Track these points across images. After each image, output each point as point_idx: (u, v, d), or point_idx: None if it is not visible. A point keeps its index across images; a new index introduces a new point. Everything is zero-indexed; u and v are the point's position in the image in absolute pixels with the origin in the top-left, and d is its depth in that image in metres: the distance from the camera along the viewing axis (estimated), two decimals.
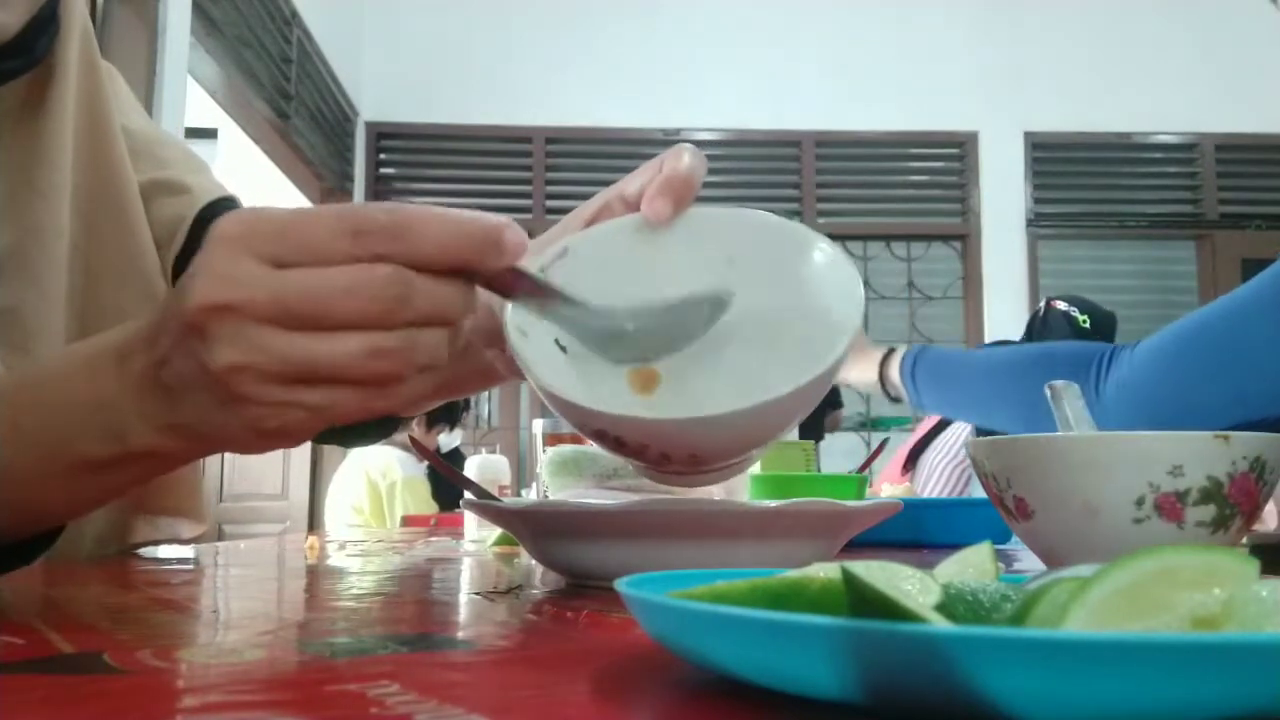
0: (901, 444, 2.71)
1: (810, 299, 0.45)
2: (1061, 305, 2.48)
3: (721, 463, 0.44)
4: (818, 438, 2.81)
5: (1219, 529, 0.53)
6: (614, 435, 0.40)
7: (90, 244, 0.67)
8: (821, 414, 3.09)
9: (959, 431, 2.54)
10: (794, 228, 0.47)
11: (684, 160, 0.47)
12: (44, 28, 0.60)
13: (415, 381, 0.37)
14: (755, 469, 1.10)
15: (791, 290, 0.46)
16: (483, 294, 0.39)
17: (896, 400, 1.17)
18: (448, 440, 3.50)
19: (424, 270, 0.36)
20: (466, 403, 3.70)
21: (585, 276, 0.45)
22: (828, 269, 0.46)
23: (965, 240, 4.53)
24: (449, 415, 3.35)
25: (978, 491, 2.51)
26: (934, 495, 2.36)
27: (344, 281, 0.35)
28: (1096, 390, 0.92)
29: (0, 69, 0.59)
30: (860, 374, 1.17)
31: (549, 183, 4.47)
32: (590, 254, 0.47)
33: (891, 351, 1.15)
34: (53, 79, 0.63)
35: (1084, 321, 2.42)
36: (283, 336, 0.35)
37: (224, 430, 0.38)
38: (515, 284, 0.39)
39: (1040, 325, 2.48)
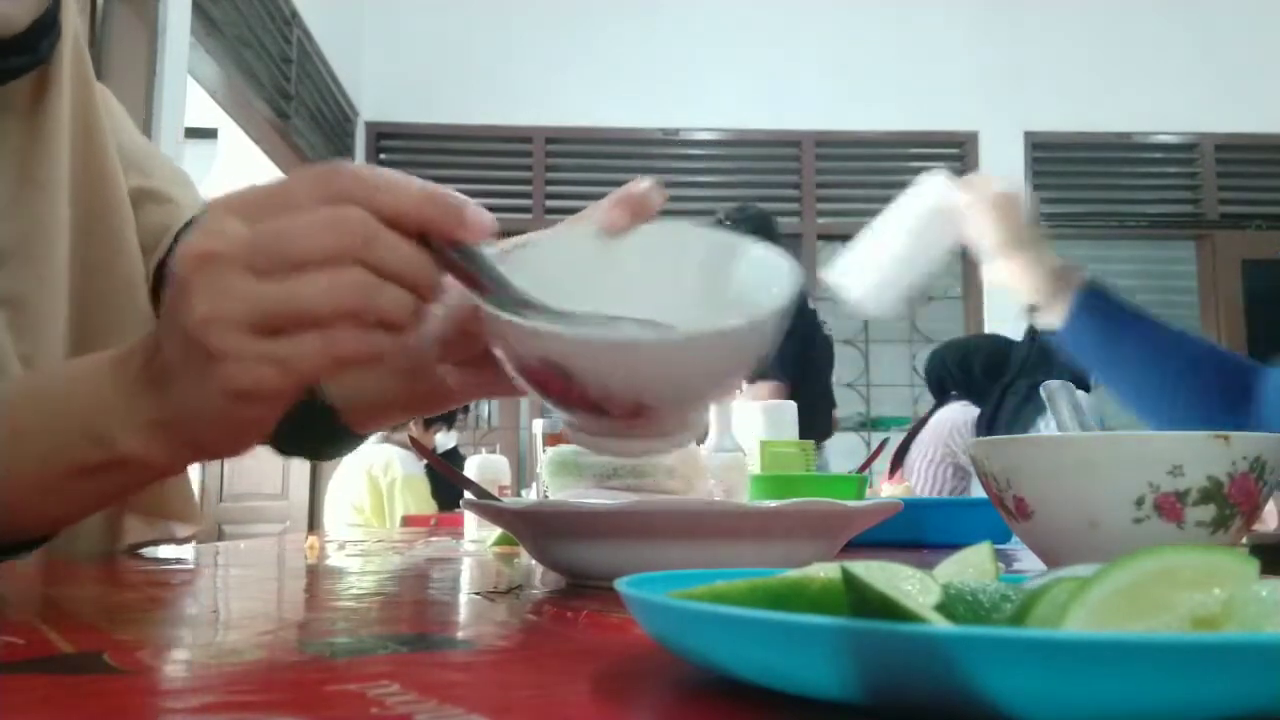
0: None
1: (741, 299, 0.46)
2: None
3: (665, 413, 0.43)
4: (823, 435, 2.81)
5: (1219, 529, 0.53)
6: (561, 364, 0.39)
7: (87, 236, 0.69)
8: (827, 412, 3.07)
9: (934, 432, 2.57)
10: (731, 239, 0.49)
11: (642, 184, 0.49)
12: (46, 30, 0.62)
13: (377, 338, 0.38)
14: (755, 468, 1.10)
15: (725, 294, 0.48)
16: (434, 314, 0.40)
17: (1033, 310, 1.08)
18: (444, 440, 3.50)
19: (391, 226, 0.38)
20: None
21: (539, 267, 0.47)
22: (758, 269, 0.47)
23: None
24: (446, 415, 3.35)
25: (959, 489, 2.54)
26: (917, 494, 2.38)
27: (313, 218, 0.37)
28: (1241, 412, 0.90)
29: (8, 66, 0.61)
30: (1025, 273, 1.07)
31: (549, 183, 4.47)
32: (548, 248, 0.49)
33: (1070, 270, 1.06)
34: (52, 78, 0.65)
35: None
36: (254, 282, 0.36)
37: (202, 409, 0.40)
38: (472, 273, 0.40)
39: None
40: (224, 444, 0.42)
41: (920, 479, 2.53)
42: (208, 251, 0.37)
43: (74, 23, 0.67)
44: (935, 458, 2.57)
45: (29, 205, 0.63)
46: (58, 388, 0.46)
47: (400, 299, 0.38)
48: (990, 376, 2.65)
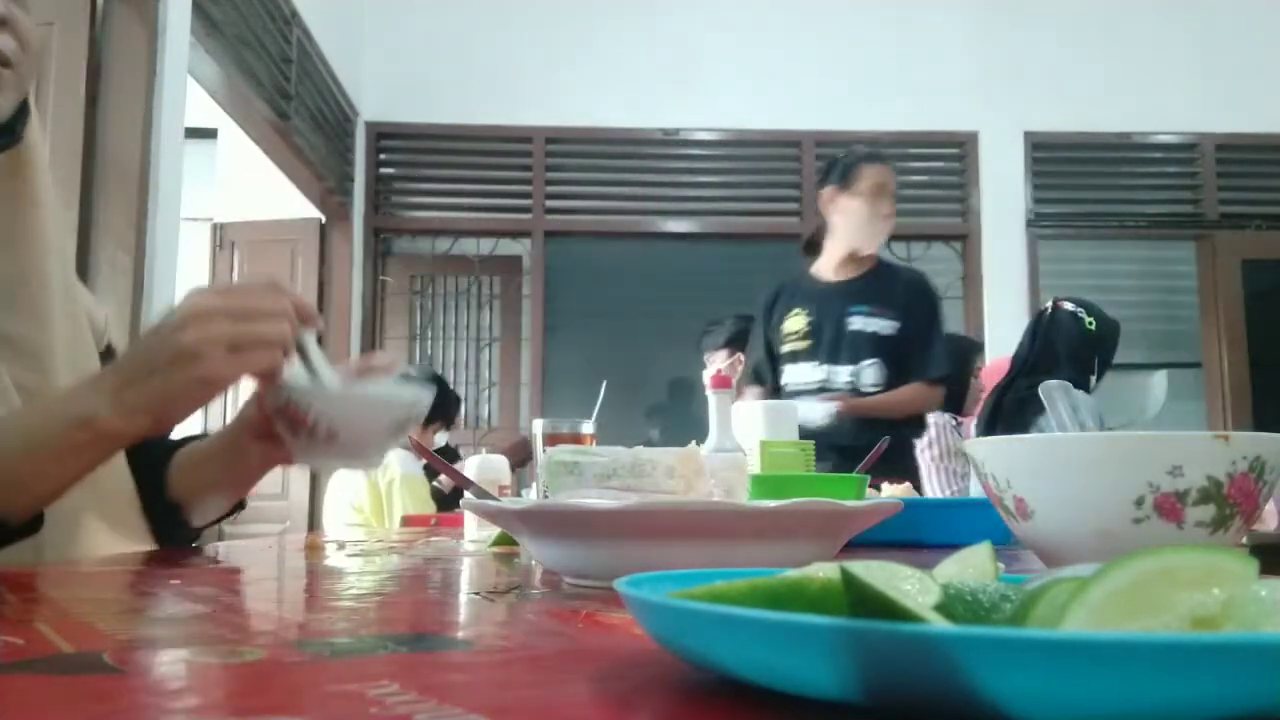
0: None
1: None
2: (1069, 306, 2.49)
3: (349, 440, 0.74)
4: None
5: (1219, 529, 0.53)
6: (298, 401, 0.73)
7: (66, 289, 0.82)
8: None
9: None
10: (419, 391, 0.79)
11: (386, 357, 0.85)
12: (22, 115, 0.75)
13: (282, 354, 0.72)
14: (755, 468, 1.10)
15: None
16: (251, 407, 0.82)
17: None
18: (440, 440, 3.51)
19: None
20: (458, 401, 3.70)
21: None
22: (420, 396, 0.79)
23: (965, 240, 4.53)
24: (445, 416, 3.37)
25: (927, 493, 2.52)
26: None
27: (268, 295, 0.72)
28: None
29: None
30: None
31: (549, 183, 4.47)
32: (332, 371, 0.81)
33: None
34: (24, 157, 0.77)
35: (1090, 324, 2.44)
36: (230, 324, 0.69)
37: (173, 393, 0.68)
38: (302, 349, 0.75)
39: (1048, 324, 2.49)
40: (176, 416, 0.71)
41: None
42: (199, 310, 0.69)
43: (33, 110, 0.79)
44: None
45: (14, 259, 0.77)
46: (55, 398, 0.71)
47: (289, 338, 0.72)
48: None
